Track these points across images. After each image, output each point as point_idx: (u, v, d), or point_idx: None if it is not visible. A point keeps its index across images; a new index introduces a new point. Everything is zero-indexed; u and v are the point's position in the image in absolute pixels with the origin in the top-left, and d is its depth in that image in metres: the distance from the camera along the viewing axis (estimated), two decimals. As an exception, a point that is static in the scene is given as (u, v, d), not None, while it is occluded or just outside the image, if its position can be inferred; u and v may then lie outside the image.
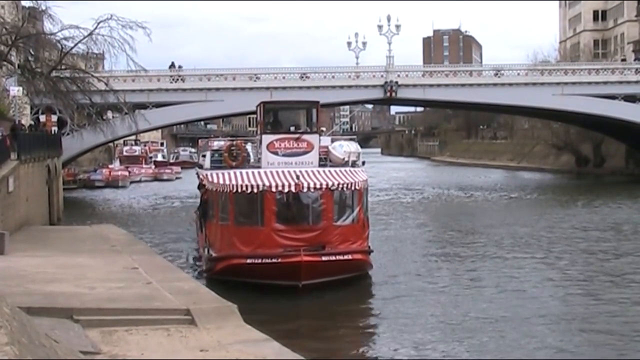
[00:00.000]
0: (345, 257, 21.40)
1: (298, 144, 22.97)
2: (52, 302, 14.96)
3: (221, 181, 22.01)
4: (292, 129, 23.72)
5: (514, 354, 15.45)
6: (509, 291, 21.04)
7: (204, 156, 26.39)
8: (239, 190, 21.48)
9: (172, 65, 61.50)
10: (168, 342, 13.36)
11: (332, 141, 25.17)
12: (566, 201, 47.81)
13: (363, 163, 24.78)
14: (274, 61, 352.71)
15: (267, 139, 23.01)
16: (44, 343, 9.13)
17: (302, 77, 59.64)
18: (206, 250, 23.42)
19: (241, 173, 22.13)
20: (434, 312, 18.74)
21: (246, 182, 21.54)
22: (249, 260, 20.86)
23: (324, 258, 20.91)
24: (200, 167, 27.86)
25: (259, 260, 20.70)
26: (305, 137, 23.11)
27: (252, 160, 23.99)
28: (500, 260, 26.11)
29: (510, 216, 40.27)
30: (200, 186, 26.73)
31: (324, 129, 24.86)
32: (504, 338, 16.43)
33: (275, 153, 22.85)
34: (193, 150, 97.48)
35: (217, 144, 27.06)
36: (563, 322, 17.72)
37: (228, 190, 21.68)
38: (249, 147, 24.58)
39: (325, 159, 23.58)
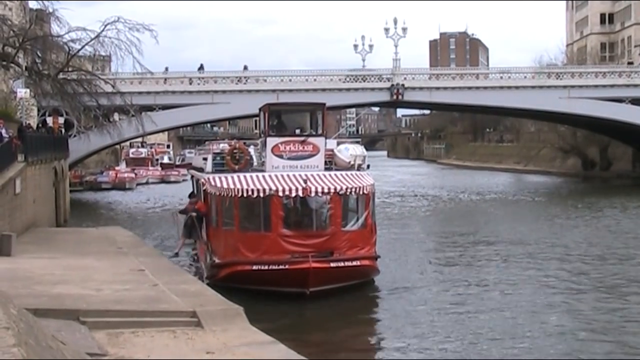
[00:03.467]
0: (354, 263, 20.99)
1: (303, 147, 22.45)
2: (59, 304, 14.99)
3: (225, 185, 21.41)
4: (298, 131, 23.21)
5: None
6: (518, 298, 20.80)
7: (204, 159, 25.51)
8: (245, 194, 20.91)
9: (201, 67, 62.22)
10: (174, 344, 13.37)
11: (338, 144, 24.77)
12: (574, 205, 47.54)
13: (368, 167, 24.39)
14: (282, 63, 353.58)
15: (271, 141, 22.48)
16: (50, 345, 9.14)
17: (308, 80, 59.73)
18: (208, 256, 22.76)
19: (245, 177, 21.62)
20: (440, 318, 18.63)
21: (252, 186, 21.04)
22: (254, 267, 20.34)
23: (332, 264, 20.46)
24: (200, 170, 26.84)
25: (266, 267, 20.19)
26: (310, 140, 22.62)
27: (255, 163, 23.46)
28: (509, 266, 25.87)
29: (518, 221, 40.03)
30: (199, 190, 25.77)
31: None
32: (510, 344, 16.34)
33: (280, 156, 22.32)
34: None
35: (221, 146, 26.61)
36: (570, 327, 17.59)
37: (233, 195, 21.08)
38: (251, 150, 24.06)
39: (330, 162, 23.14)
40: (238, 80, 59.17)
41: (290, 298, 19.64)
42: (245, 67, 62.41)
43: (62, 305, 14.88)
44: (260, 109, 24.37)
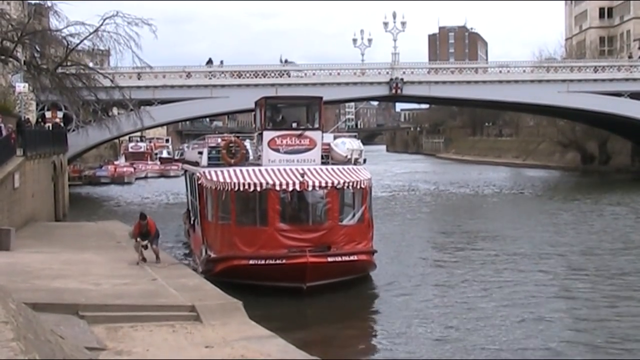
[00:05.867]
0: (351, 258, 20.95)
1: (300, 141, 22.39)
2: (58, 298, 15.04)
3: (221, 179, 21.28)
4: (294, 125, 23.09)
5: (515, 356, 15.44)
6: (516, 293, 20.77)
7: (199, 153, 25.13)
8: (242, 188, 20.81)
9: (210, 62, 62.32)
10: (173, 338, 13.42)
11: (334, 138, 24.64)
12: (573, 200, 47.40)
13: (364, 161, 24.29)
14: (283, 58, 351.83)
15: (268, 135, 22.37)
16: (49, 339, 9.18)
17: (307, 74, 59.71)
18: (203, 251, 22.60)
19: (242, 171, 21.51)
20: (437, 313, 18.68)
21: (249, 180, 20.92)
22: (251, 262, 20.27)
23: (329, 259, 20.40)
24: (194, 164, 26.43)
25: (262, 262, 20.14)
26: (307, 133, 22.54)
27: (251, 157, 23.32)
28: (506, 261, 25.83)
29: (516, 216, 39.99)
30: (194, 184, 25.51)
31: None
32: (508, 341, 16.35)
33: (277, 150, 22.23)
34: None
35: (218, 140, 26.34)
36: (571, 328, 17.41)
37: (229, 189, 20.96)
38: (247, 143, 23.88)
39: (327, 157, 23.05)
40: (238, 75, 59.13)
41: (288, 293, 19.57)
42: (210, 61, 62.64)
43: (61, 300, 14.93)
44: (256, 103, 24.16)
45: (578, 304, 19.50)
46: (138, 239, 20.78)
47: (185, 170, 31.77)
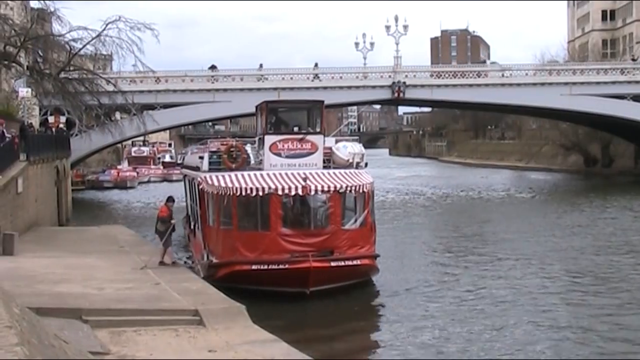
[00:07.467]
0: (354, 262, 20.89)
1: (302, 145, 22.25)
2: (61, 303, 15.06)
3: (223, 184, 21.20)
4: (296, 129, 22.94)
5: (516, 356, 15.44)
6: (519, 296, 20.75)
7: (200, 158, 24.87)
8: (243, 193, 20.77)
9: (213, 67, 62.64)
10: (176, 342, 13.43)
11: (336, 142, 24.54)
12: (578, 204, 47.16)
13: (366, 164, 24.25)
14: (287, 61, 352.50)
15: (269, 139, 22.26)
16: (53, 343, 9.19)
17: (309, 78, 59.78)
18: (205, 256, 22.49)
19: (243, 175, 21.45)
20: (440, 317, 18.64)
21: (250, 184, 20.88)
22: (254, 267, 20.15)
23: (332, 264, 20.34)
24: (195, 169, 26.26)
25: (265, 267, 20.02)
26: (309, 137, 22.42)
27: (252, 162, 23.19)
28: (509, 265, 25.75)
29: (519, 219, 39.88)
30: (194, 189, 25.37)
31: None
32: (509, 343, 16.33)
33: (278, 154, 22.11)
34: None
35: (213, 145, 26.17)
36: (572, 333, 17.32)
37: (231, 194, 20.89)
38: (248, 148, 23.79)
39: (329, 161, 22.95)
40: (240, 79, 59.26)
41: (291, 297, 19.52)
42: (213, 66, 63.18)
43: (65, 304, 14.95)
44: (257, 107, 24.05)
45: (580, 309, 19.47)
46: (172, 221, 21.88)
47: (185, 175, 31.72)
